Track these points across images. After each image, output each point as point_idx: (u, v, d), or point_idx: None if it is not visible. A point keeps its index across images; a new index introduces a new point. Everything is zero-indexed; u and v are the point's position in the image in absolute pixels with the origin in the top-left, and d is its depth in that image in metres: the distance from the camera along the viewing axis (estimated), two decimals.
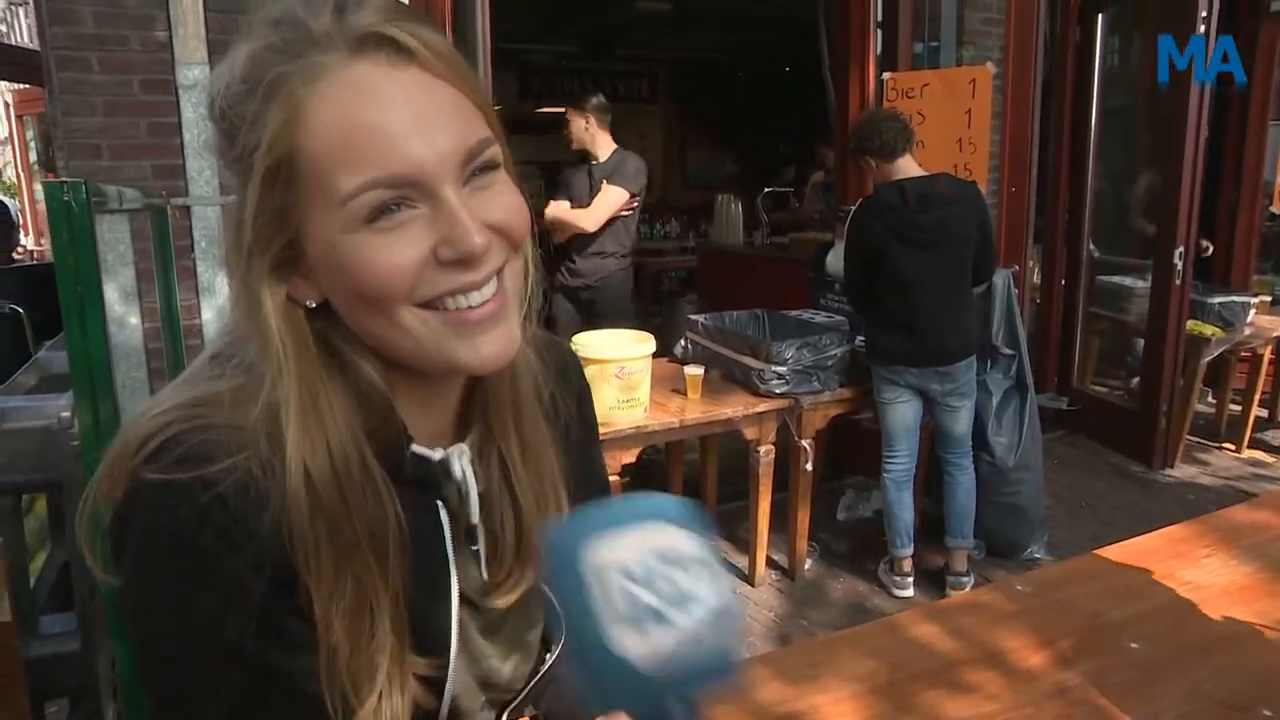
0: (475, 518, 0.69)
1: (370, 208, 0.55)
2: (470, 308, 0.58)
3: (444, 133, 0.56)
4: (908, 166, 2.89)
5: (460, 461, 0.67)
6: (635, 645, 0.38)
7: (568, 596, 0.40)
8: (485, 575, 0.72)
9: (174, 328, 2.51)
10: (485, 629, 0.74)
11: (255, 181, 0.55)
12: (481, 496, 0.70)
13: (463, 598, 0.71)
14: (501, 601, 0.72)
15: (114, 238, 1.96)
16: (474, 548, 0.71)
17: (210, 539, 0.55)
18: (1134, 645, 0.97)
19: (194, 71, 2.66)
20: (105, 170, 2.59)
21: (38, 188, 10.70)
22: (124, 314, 1.98)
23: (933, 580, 3.23)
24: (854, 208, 3.06)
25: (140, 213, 2.28)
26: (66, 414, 1.67)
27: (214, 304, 2.76)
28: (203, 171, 2.72)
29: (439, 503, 0.68)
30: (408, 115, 0.55)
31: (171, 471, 0.54)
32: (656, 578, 0.39)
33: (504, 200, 0.59)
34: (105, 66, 2.59)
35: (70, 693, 1.90)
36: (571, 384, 0.80)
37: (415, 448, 0.65)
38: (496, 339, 0.60)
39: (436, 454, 0.67)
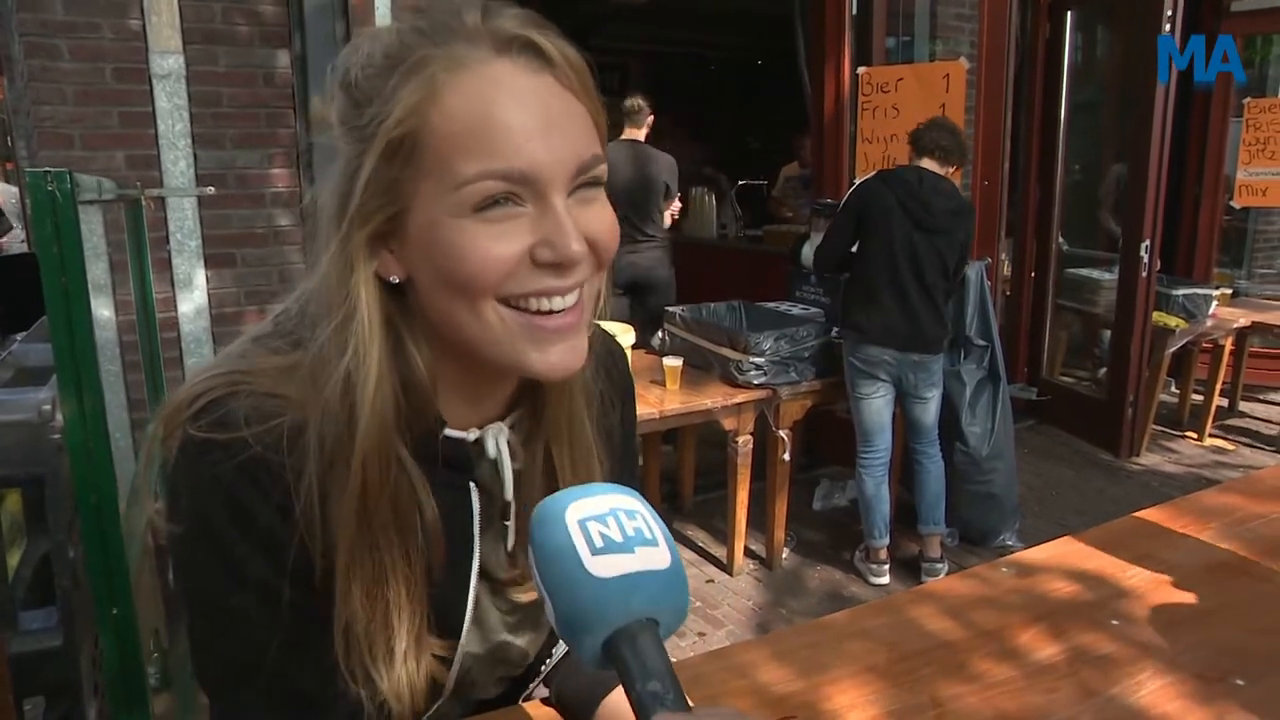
0: (509, 494, 0.71)
1: (482, 196, 0.57)
2: (551, 313, 0.60)
3: (565, 141, 0.58)
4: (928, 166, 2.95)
5: (497, 439, 0.69)
6: (605, 568, 0.48)
7: (553, 543, 0.49)
8: (509, 548, 0.73)
9: (149, 321, 2.47)
10: (502, 604, 0.76)
11: (374, 151, 0.58)
12: (519, 475, 0.72)
13: (486, 574, 0.72)
14: (526, 597, 0.74)
15: (87, 230, 1.93)
16: (505, 523, 0.72)
17: (248, 492, 0.59)
18: (1114, 623, 1.01)
19: (168, 61, 2.62)
20: (77, 160, 2.55)
21: None
22: (98, 308, 1.95)
23: (907, 567, 3.29)
24: (868, 177, 3.09)
25: (113, 204, 2.25)
26: (48, 407, 1.64)
27: (191, 298, 2.72)
28: (177, 162, 2.69)
29: (471, 484, 0.70)
30: (537, 118, 0.57)
31: (213, 431, 0.58)
32: (620, 523, 0.50)
33: (604, 217, 0.62)
34: (76, 54, 2.55)
35: (49, 690, 1.87)
36: (615, 381, 0.81)
37: (449, 432, 0.67)
38: (566, 351, 0.62)
39: (471, 434, 0.69)
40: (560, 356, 0.61)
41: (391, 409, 0.61)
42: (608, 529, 0.49)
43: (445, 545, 0.67)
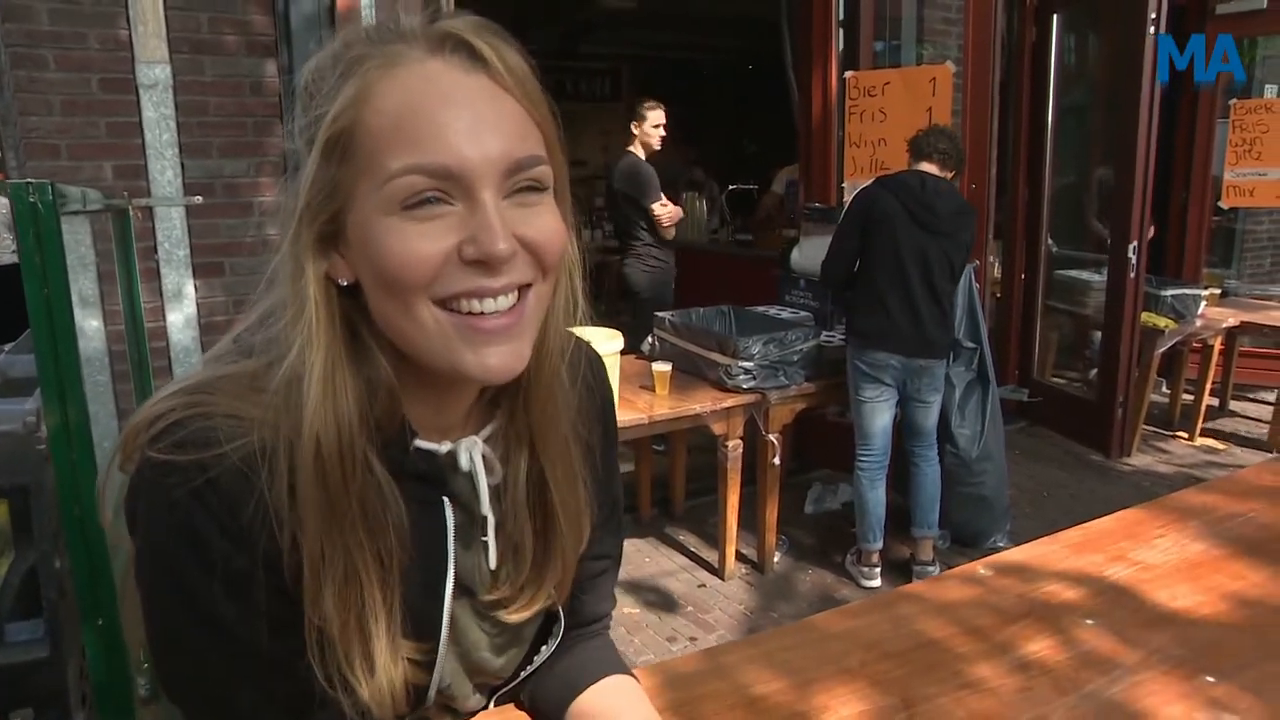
0: (485, 509, 0.70)
1: (408, 192, 0.57)
2: (483, 314, 0.60)
3: (495, 139, 0.58)
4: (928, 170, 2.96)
5: (471, 452, 0.69)
6: None
7: None
8: (492, 565, 0.73)
9: (138, 332, 2.48)
10: (488, 626, 0.75)
11: (317, 149, 0.58)
12: (498, 490, 0.71)
13: (465, 590, 0.72)
14: (515, 618, 0.74)
15: (74, 240, 1.93)
16: (483, 538, 0.72)
17: (202, 521, 0.58)
18: (1089, 622, 1.01)
19: (155, 70, 2.63)
20: (64, 170, 2.55)
21: None
22: (85, 318, 1.95)
23: (899, 570, 3.29)
24: (868, 183, 3.09)
25: (100, 214, 2.25)
26: (32, 418, 1.65)
27: (180, 307, 2.72)
28: (165, 172, 2.69)
29: (444, 499, 0.70)
30: (466, 115, 0.57)
31: (172, 453, 0.58)
32: None
33: (542, 221, 0.61)
34: (62, 65, 2.55)
35: (37, 701, 1.87)
36: (594, 391, 0.80)
37: (420, 443, 0.67)
38: (503, 353, 0.61)
39: (444, 447, 0.68)
40: (497, 359, 0.61)
41: (350, 404, 0.60)
42: None
43: (418, 556, 0.66)
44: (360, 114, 0.57)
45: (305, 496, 0.59)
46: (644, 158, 4.26)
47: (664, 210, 4.19)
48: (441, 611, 0.70)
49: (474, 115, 0.58)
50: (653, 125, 4.24)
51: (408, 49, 0.59)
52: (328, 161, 0.58)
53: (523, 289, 0.61)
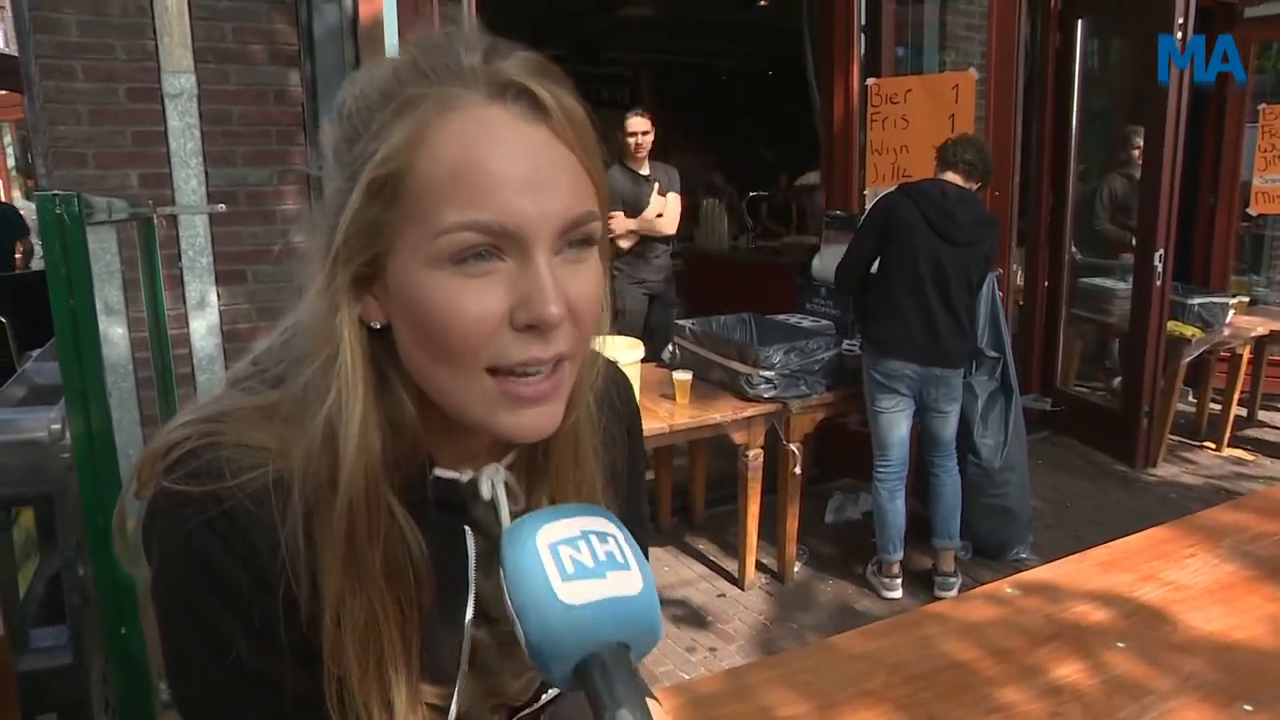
0: None
1: (461, 246, 0.55)
2: (526, 378, 0.58)
3: (554, 195, 0.56)
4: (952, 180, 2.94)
5: (493, 481, 0.68)
6: (576, 594, 0.49)
7: (524, 567, 0.50)
8: None
9: (162, 339, 2.50)
10: (502, 647, 0.75)
11: (360, 189, 0.56)
12: (519, 516, 0.71)
13: (486, 617, 0.71)
14: None
15: (100, 249, 1.95)
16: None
17: (217, 552, 0.57)
18: (1120, 645, 0.99)
19: (180, 80, 2.65)
20: (91, 179, 2.58)
21: (16, 194, 10.63)
22: (110, 326, 1.97)
23: (920, 581, 3.26)
24: (890, 190, 3.07)
25: (125, 222, 2.27)
26: (57, 426, 1.66)
27: (203, 314, 2.74)
28: (189, 180, 2.71)
29: (466, 528, 0.68)
30: (526, 169, 0.55)
31: (186, 484, 0.57)
32: (592, 547, 0.51)
33: (587, 283, 0.59)
34: (90, 75, 2.58)
35: (60, 707, 1.89)
36: (620, 415, 0.78)
37: (439, 472, 0.66)
38: (539, 415, 0.60)
39: (465, 475, 0.67)
40: (533, 420, 0.59)
41: (377, 450, 0.59)
42: (579, 553, 0.50)
43: (439, 586, 0.65)
44: (414, 158, 0.55)
45: (329, 546, 0.58)
46: (633, 168, 4.16)
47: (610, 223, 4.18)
48: (461, 641, 0.69)
49: (534, 170, 0.55)
50: (627, 134, 4.13)
51: (467, 92, 0.56)
52: (372, 202, 0.56)
53: (563, 358, 0.60)
